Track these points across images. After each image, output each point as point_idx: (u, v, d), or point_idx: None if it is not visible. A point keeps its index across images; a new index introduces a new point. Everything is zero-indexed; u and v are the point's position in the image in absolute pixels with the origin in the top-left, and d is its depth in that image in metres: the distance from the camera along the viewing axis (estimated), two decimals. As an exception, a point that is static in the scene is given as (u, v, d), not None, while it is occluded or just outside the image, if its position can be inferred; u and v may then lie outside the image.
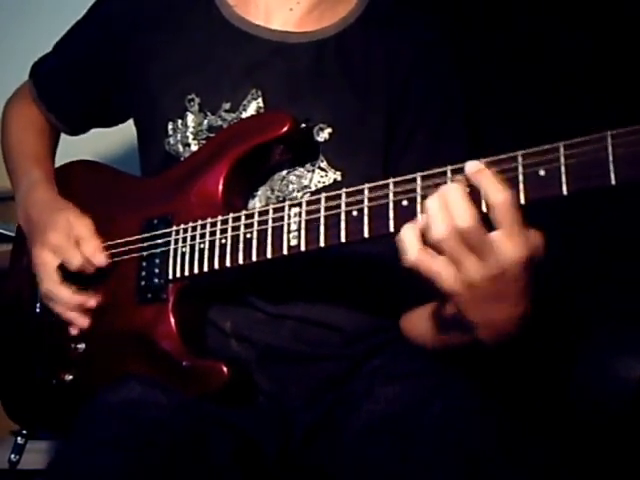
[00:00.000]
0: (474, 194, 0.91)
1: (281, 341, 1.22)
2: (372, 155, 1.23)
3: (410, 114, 1.25)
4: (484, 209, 0.91)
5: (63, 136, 1.54)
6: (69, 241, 1.26)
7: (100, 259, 1.25)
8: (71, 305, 1.26)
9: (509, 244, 0.90)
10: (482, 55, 1.55)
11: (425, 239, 0.93)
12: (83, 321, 1.27)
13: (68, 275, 1.26)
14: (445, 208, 0.91)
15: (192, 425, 1.13)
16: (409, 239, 0.93)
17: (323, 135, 1.22)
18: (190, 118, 1.25)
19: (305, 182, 1.22)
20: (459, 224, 0.90)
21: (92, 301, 1.26)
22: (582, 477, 1.14)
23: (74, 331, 1.28)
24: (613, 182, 0.83)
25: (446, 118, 1.27)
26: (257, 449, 1.20)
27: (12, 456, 1.39)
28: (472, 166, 0.91)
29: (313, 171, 1.22)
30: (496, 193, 0.89)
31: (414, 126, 1.25)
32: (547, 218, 0.91)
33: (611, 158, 0.83)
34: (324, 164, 1.22)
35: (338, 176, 1.21)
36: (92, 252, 1.25)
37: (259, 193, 1.22)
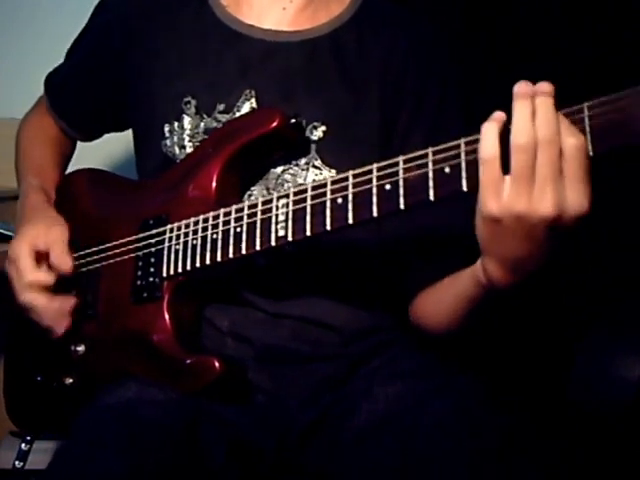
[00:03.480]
0: None
1: (280, 340, 1.21)
2: (367, 153, 1.21)
3: (405, 113, 1.25)
4: None
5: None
6: (26, 253, 1.24)
7: (65, 266, 1.25)
8: (50, 312, 1.25)
9: (578, 188, 0.87)
10: (482, 55, 1.55)
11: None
12: (61, 326, 1.25)
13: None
14: (532, 117, 0.88)
15: (189, 423, 1.12)
16: (492, 139, 0.90)
17: (317, 133, 1.22)
18: (187, 120, 1.26)
19: (300, 180, 1.21)
20: (541, 137, 0.87)
21: (68, 304, 1.25)
22: (583, 477, 1.11)
23: (56, 335, 1.26)
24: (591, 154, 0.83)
25: (442, 118, 1.26)
26: (255, 448, 1.19)
27: (16, 462, 1.40)
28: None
29: (307, 169, 1.22)
30: (571, 137, 0.86)
31: (410, 125, 1.25)
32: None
33: (588, 130, 0.83)
34: (318, 162, 1.21)
35: (333, 174, 1.20)
36: (57, 258, 1.25)
37: (255, 192, 1.22)
